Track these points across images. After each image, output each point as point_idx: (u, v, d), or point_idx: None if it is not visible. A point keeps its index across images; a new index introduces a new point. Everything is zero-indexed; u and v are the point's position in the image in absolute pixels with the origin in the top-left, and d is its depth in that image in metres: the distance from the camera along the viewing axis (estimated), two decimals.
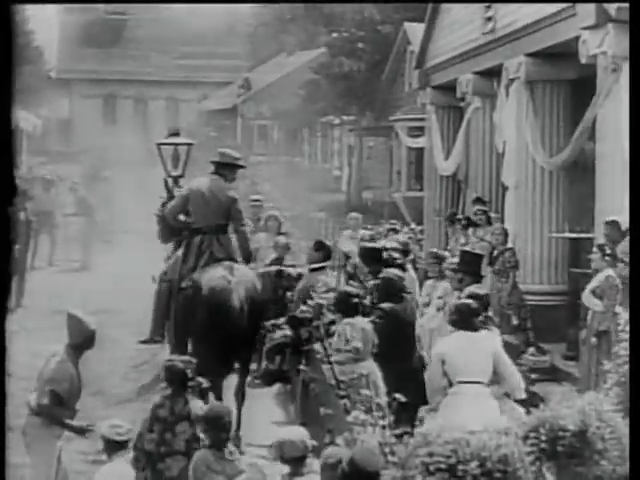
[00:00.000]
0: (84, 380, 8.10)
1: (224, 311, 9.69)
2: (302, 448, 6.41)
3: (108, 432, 7.01)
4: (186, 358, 7.91)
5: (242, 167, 10.34)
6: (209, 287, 9.71)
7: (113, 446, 7.00)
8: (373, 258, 10.54)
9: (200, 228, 10.05)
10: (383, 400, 7.99)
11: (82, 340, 8.05)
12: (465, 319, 8.07)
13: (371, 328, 8.79)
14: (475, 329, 8.07)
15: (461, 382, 7.82)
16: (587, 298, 10.23)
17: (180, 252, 10.20)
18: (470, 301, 8.30)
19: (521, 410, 7.81)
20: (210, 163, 10.19)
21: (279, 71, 33.24)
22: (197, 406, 7.53)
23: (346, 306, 8.95)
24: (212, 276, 9.78)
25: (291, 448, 6.39)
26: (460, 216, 14.83)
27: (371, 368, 8.56)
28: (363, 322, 8.80)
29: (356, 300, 8.98)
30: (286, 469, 6.45)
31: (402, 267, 10.62)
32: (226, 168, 10.09)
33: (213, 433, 6.93)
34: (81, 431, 7.83)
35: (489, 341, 8.12)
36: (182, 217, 10.30)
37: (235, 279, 9.82)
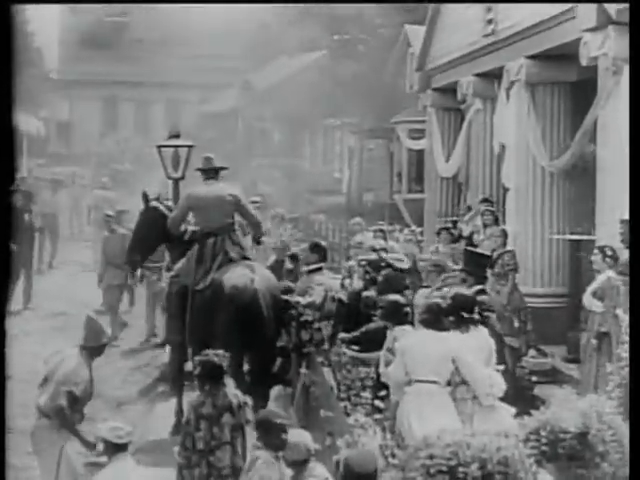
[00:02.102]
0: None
1: (252, 309, 9.76)
2: (305, 451, 6.40)
3: (108, 434, 7.00)
4: (220, 352, 7.92)
5: (225, 168, 10.64)
6: (231, 285, 9.76)
7: (113, 448, 6.99)
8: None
9: (210, 231, 10.14)
10: None
11: (96, 345, 8.06)
12: (434, 318, 8.01)
13: None
14: (443, 329, 7.99)
15: (417, 380, 7.77)
16: (588, 299, 10.21)
17: (192, 254, 10.22)
18: (440, 300, 8.24)
19: (511, 420, 7.68)
20: (198, 171, 10.48)
21: (280, 73, 33.22)
22: (232, 392, 7.66)
23: (397, 314, 8.81)
24: (233, 275, 9.85)
25: (294, 451, 6.39)
26: (450, 225, 14.84)
27: None
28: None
29: (407, 309, 8.89)
30: (289, 472, 6.44)
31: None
32: (213, 171, 10.40)
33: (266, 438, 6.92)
34: (88, 445, 7.80)
35: (453, 343, 7.97)
36: (183, 226, 10.37)
37: (257, 277, 9.90)
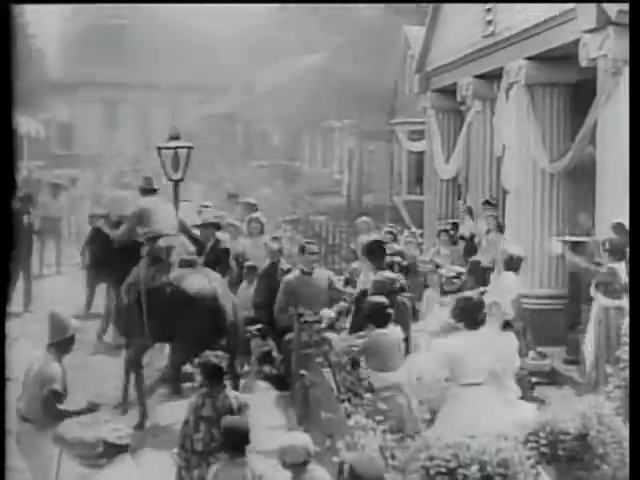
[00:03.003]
0: (84, 384, 8.11)
1: (215, 313, 10.36)
2: (304, 454, 6.40)
3: (109, 435, 7.00)
4: (219, 353, 7.95)
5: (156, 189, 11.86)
6: (195, 290, 10.35)
7: (113, 450, 6.99)
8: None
9: (160, 235, 10.96)
10: None
11: (62, 341, 8.06)
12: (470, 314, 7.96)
13: None
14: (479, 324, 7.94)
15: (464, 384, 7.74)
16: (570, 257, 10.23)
17: (143, 260, 10.87)
18: (479, 297, 8.21)
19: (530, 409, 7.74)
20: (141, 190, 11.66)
21: (280, 76, 33.23)
22: (232, 394, 7.80)
23: (378, 316, 8.74)
24: (194, 279, 10.46)
25: (293, 454, 6.39)
26: (449, 227, 14.86)
27: None
28: None
29: (389, 311, 8.84)
30: (289, 475, 6.44)
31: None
32: (152, 190, 11.72)
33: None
34: (91, 408, 7.92)
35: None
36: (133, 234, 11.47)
37: (215, 283, 10.55)
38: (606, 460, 6.31)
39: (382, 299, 8.58)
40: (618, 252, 10.07)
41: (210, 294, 10.35)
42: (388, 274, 9.82)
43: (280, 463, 6.39)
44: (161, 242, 10.95)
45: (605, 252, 10.17)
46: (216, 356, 7.83)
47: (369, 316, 8.51)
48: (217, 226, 12.64)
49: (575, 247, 12.98)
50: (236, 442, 6.81)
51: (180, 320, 10.24)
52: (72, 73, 36.53)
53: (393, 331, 8.43)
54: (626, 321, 8.59)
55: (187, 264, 10.67)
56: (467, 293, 8.71)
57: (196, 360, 8.01)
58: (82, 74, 36.40)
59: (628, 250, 9.66)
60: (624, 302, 9.76)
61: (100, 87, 36.52)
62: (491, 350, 7.76)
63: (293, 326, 10.17)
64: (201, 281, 10.44)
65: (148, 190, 11.68)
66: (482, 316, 7.96)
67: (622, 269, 10.01)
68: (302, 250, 11.33)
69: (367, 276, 10.10)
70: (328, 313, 10.36)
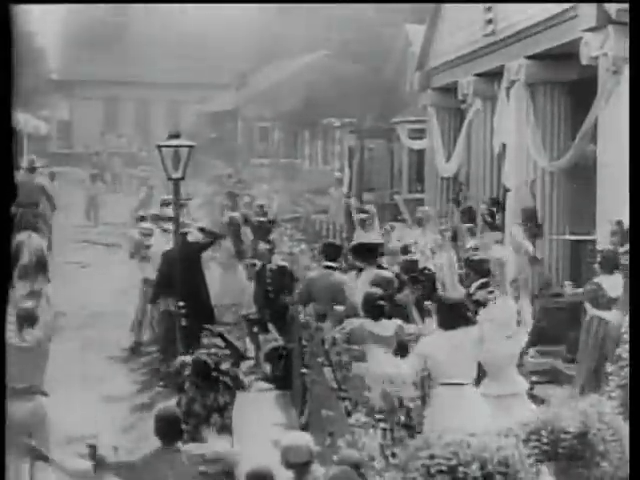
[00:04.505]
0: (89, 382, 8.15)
1: None
2: (307, 454, 6.39)
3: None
4: (212, 351, 8.08)
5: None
6: None
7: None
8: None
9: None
10: None
11: None
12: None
13: None
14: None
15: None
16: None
17: None
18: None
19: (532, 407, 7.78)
20: None
21: (280, 73, 33.20)
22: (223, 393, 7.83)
23: (370, 307, 8.89)
24: None
25: (296, 454, 6.37)
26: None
27: None
28: None
29: (381, 302, 8.94)
30: (291, 475, 6.43)
31: None
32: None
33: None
34: None
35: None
36: None
37: None
38: (606, 458, 6.31)
39: (376, 291, 8.69)
40: (609, 265, 10.10)
41: None
42: (385, 274, 9.88)
43: (283, 463, 6.37)
44: None
45: (597, 264, 10.23)
46: (208, 354, 7.87)
47: (362, 306, 8.69)
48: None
49: (576, 245, 13.02)
50: (168, 430, 6.61)
51: None
52: (73, 71, 36.53)
53: (382, 325, 8.53)
54: (626, 319, 8.59)
55: None
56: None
57: (188, 358, 8.05)
58: (83, 72, 36.40)
59: (623, 261, 9.76)
60: (610, 315, 9.86)
61: (100, 85, 36.51)
62: (474, 351, 7.77)
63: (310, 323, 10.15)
64: None
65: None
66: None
67: (613, 281, 10.03)
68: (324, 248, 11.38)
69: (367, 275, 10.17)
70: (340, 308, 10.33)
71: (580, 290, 10.72)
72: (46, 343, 7.09)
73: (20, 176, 14.83)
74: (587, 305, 10.20)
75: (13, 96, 6.91)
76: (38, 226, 13.89)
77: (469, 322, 7.90)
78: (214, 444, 6.94)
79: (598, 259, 10.22)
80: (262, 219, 15.35)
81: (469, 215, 15.16)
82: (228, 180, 23.30)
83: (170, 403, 7.48)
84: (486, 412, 7.70)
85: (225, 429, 7.99)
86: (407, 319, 9.54)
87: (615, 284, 9.98)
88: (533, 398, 8.98)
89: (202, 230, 12.49)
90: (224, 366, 8.11)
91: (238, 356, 10.37)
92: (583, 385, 10.01)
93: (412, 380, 7.78)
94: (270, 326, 12.06)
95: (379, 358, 8.41)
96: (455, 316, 7.83)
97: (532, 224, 12.75)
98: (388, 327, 8.69)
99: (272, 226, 15.97)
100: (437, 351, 7.71)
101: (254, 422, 9.85)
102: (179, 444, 6.55)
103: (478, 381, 8.10)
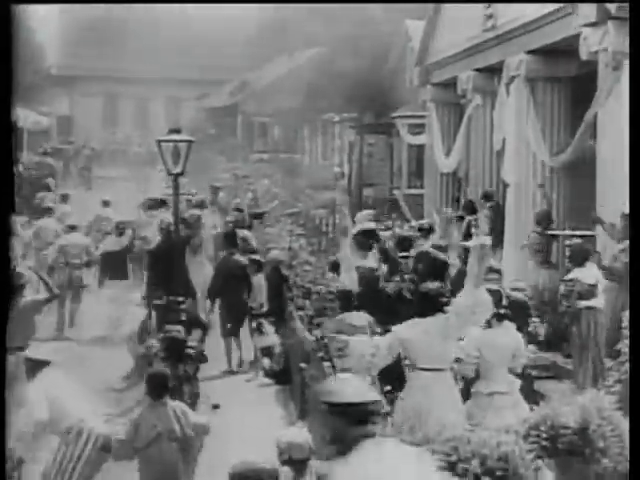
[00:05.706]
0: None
1: None
2: (306, 450, 6.40)
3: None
4: (179, 327, 9.04)
5: None
6: None
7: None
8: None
9: None
10: None
11: None
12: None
13: None
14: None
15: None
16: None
17: None
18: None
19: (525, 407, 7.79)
20: None
21: (280, 69, 33.21)
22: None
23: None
24: None
25: (298, 450, 6.38)
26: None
27: None
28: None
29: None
30: (290, 471, 6.42)
31: None
32: None
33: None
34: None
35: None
36: None
37: None
38: (606, 454, 6.31)
39: (349, 287, 9.46)
40: (579, 258, 10.23)
41: None
42: (370, 264, 10.10)
43: (281, 460, 6.36)
44: None
45: (567, 259, 10.37)
46: (178, 331, 8.86)
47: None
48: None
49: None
50: (157, 388, 7.33)
51: None
52: (72, 67, 36.53)
53: (354, 316, 9.16)
54: (626, 314, 8.59)
55: None
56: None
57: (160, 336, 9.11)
58: (82, 68, 36.41)
59: (592, 255, 9.94)
60: (593, 302, 10.10)
61: (100, 81, 36.53)
62: (443, 338, 7.82)
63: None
64: None
65: None
66: None
67: (587, 272, 10.17)
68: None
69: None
70: None
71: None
72: None
73: None
74: (565, 302, 10.30)
75: (13, 92, 6.91)
76: None
77: (440, 311, 7.98)
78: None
79: (568, 254, 10.34)
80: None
81: (471, 208, 15.17)
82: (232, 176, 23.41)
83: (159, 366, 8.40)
84: (457, 398, 7.77)
85: (195, 396, 8.89)
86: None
87: (589, 273, 10.22)
88: (533, 393, 8.99)
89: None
90: (191, 342, 9.08)
91: (204, 330, 10.91)
92: (583, 378, 10.02)
93: (386, 349, 7.87)
94: (265, 322, 12.12)
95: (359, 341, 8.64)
96: (427, 304, 7.94)
97: (545, 227, 12.84)
98: (357, 317, 9.25)
99: (251, 222, 16.54)
100: (410, 336, 7.80)
101: (254, 417, 9.87)
102: (166, 398, 7.32)
103: (473, 381, 8.13)
